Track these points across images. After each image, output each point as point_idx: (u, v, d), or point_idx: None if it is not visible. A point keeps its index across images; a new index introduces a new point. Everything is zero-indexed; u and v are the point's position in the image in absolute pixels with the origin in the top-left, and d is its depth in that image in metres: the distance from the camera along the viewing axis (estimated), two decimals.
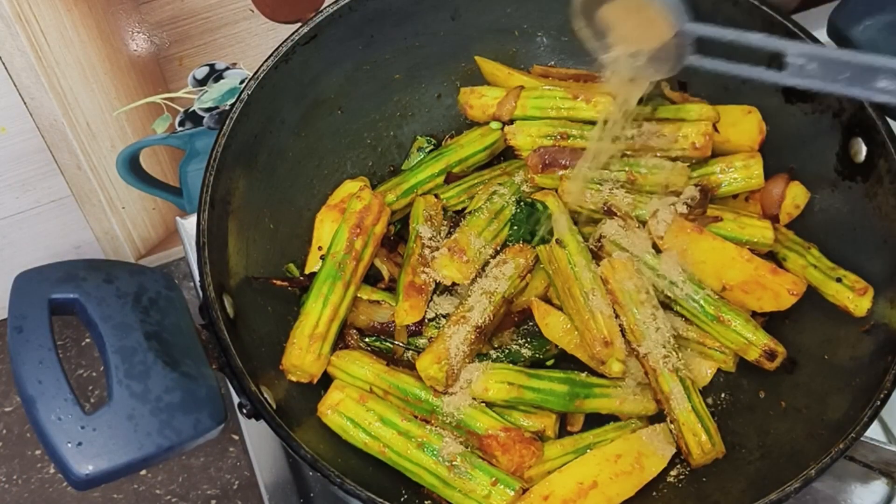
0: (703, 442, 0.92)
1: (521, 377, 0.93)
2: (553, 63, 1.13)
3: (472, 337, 0.93)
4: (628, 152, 1.02)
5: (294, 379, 0.94)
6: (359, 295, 0.99)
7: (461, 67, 1.12)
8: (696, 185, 1.00)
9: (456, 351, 0.92)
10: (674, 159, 1.01)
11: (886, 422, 1.06)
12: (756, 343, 0.95)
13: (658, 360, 0.94)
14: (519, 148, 1.04)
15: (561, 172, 1.01)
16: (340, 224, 0.99)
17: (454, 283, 0.98)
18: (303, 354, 0.93)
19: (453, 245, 0.97)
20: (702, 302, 0.96)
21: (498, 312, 0.96)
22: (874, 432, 1.04)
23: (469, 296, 0.96)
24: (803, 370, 0.96)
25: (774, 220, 1.02)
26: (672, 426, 0.93)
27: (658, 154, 1.01)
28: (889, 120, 0.93)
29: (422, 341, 0.98)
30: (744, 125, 1.02)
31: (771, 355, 0.95)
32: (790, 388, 0.96)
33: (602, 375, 0.96)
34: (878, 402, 0.83)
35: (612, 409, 0.95)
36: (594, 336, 0.93)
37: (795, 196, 1.01)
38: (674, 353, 0.94)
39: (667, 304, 0.98)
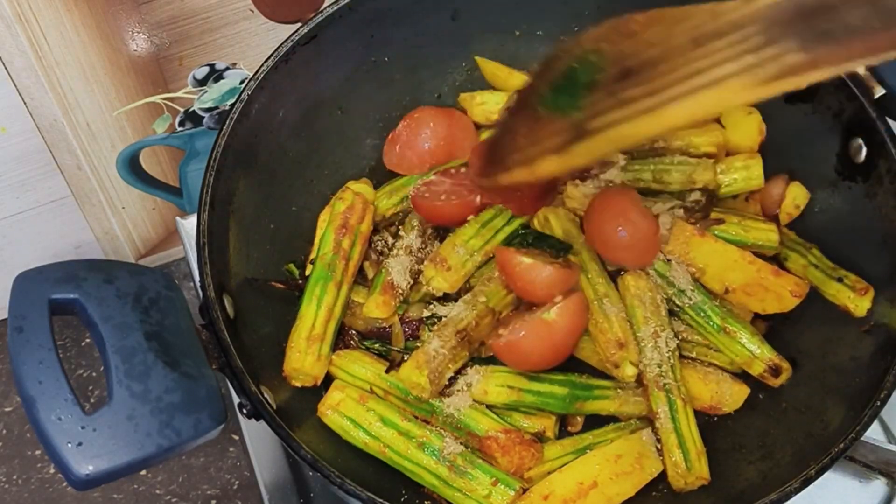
0: (677, 464, 0.91)
1: (520, 380, 0.92)
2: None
3: (453, 341, 0.92)
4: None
5: (298, 384, 0.94)
6: (357, 299, 0.99)
7: (461, 67, 1.12)
8: (700, 189, 1.00)
9: (435, 354, 0.91)
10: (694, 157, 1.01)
11: (886, 422, 1.06)
12: (761, 357, 0.95)
13: (651, 377, 0.93)
14: None
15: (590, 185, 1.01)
16: (326, 226, 0.99)
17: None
18: (302, 357, 0.93)
19: (435, 257, 0.97)
20: (709, 312, 0.96)
21: (483, 321, 0.94)
22: (874, 432, 1.04)
23: (455, 302, 0.97)
24: (803, 370, 0.96)
25: (774, 220, 1.01)
26: (659, 444, 0.93)
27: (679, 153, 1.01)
28: (889, 120, 0.93)
29: (418, 345, 0.98)
30: (744, 126, 1.02)
31: (776, 371, 0.95)
32: (790, 388, 0.96)
33: (602, 377, 0.96)
34: (878, 402, 0.83)
35: (612, 411, 0.95)
36: (608, 339, 0.93)
37: (795, 196, 1.01)
38: (670, 372, 0.94)
39: (674, 312, 0.98)
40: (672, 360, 0.94)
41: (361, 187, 1.05)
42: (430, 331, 0.95)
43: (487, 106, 1.07)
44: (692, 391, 0.96)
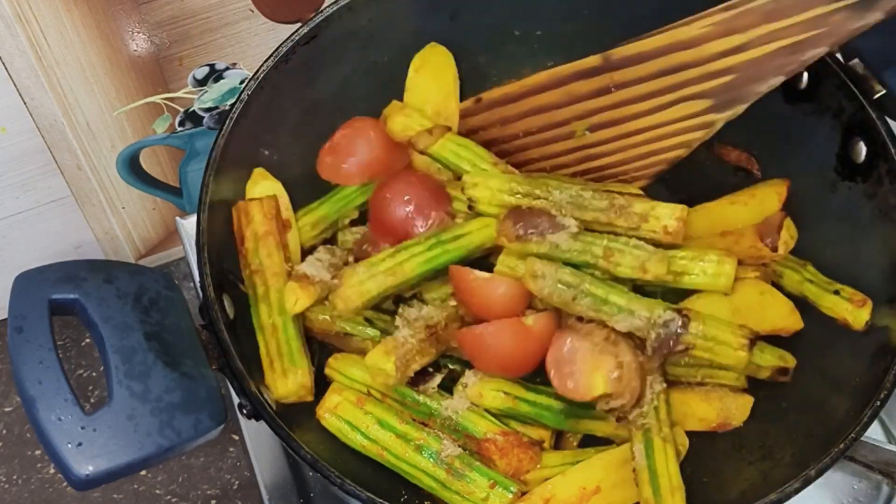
0: (647, 500, 0.87)
1: (517, 388, 0.92)
2: (552, 63, 1.12)
3: (423, 334, 0.91)
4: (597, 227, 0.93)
5: (294, 399, 0.91)
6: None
7: (461, 68, 1.12)
8: (677, 311, 0.89)
9: (404, 342, 0.90)
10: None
11: (886, 422, 1.06)
12: (764, 365, 0.94)
13: (632, 418, 0.90)
14: (477, 201, 0.95)
15: (534, 248, 0.91)
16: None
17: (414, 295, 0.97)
18: (276, 381, 0.90)
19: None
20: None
21: (452, 324, 0.93)
22: (874, 432, 1.04)
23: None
24: (803, 371, 0.96)
25: (773, 249, 0.97)
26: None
27: (628, 234, 0.92)
28: (889, 120, 0.93)
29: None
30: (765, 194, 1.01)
31: (783, 372, 0.94)
32: (790, 388, 0.96)
33: None
34: (878, 403, 0.83)
35: (608, 433, 0.94)
36: None
37: (787, 227, 0.98)
38: (652, 412, 0.90)
39: None
40: (656, 402, 0.91)
41: (260, 187, 1.00)
42: (400, 319, 0.93)
43: (412, 122, 1.01)
44: (697, 413, 0.94)
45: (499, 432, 0.90)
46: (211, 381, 0.82)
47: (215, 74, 1.25)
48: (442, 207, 0.98)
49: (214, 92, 1.26)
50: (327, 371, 0.95)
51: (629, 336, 0.90)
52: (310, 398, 0.92)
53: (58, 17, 1.11)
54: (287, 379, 0.90)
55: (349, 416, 0.91)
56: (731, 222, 0.99)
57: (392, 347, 0.90)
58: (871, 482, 1.03)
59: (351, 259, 0.99)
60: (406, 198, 0.97)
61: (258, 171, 1.00)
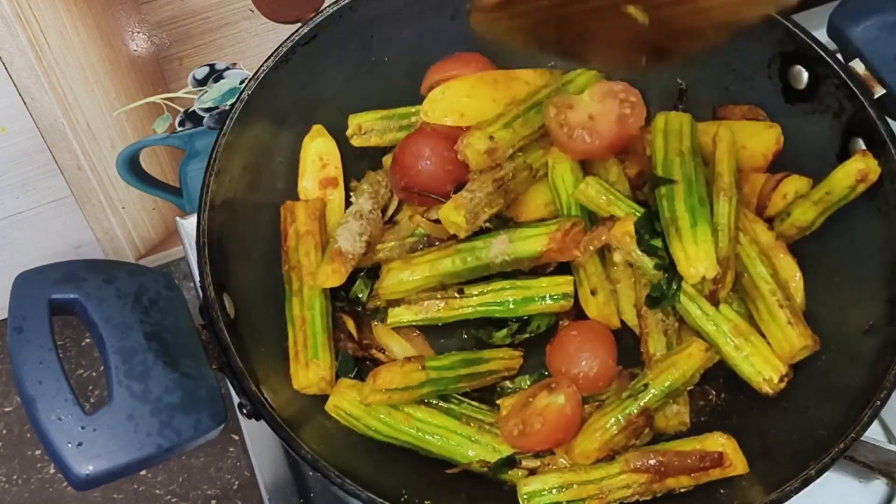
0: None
1: None
2: (552, 64, 1.12)
3: (490, 188, 0.95)
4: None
5: (314, 391, 0.93)
6: None
7: None
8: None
9: (472, 197, 0.94)
10: None
11: (886, 422, 1.06)
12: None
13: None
14: None
15: None
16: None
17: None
18: (297, 372, 0.92)
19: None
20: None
21: (519, 174, 0.98)
22: (874, 432, 1.04)
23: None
24: (803, 370, 0.96)
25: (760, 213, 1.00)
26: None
27: None
28: (889, 120, 0.94)
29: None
30: (763, 137, 1.01)
31: (782, 379, 0.95)
32: (790, 388, 0.96)
33: None
34: (878, 402, 0.84)
35: None
36: None
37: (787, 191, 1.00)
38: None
39: None
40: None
41: (316, 143, 1.04)
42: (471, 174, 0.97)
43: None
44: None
45: (551, 233, 0.94)
46: (211, 381, 0.82)
47: (215, 74, 1.25)
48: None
49: (214, 92, 1.26)
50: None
51: None
52: (329, 391, 0.93)
53: (58, 17, 1.11)
54: (308, 370, 0.91)
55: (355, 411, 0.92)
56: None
57: (461, 203, 0.93)
58: (870, 482, 1.03)
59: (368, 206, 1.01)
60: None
61: (316, 128, 1.05)
